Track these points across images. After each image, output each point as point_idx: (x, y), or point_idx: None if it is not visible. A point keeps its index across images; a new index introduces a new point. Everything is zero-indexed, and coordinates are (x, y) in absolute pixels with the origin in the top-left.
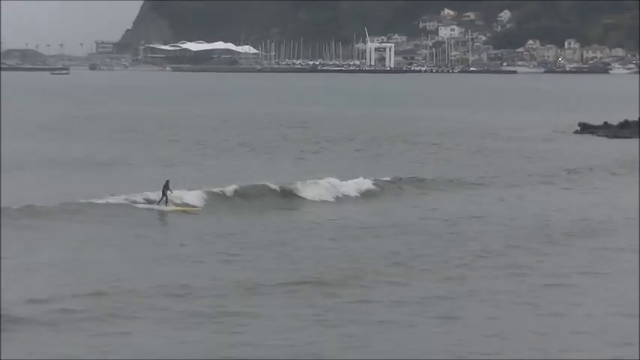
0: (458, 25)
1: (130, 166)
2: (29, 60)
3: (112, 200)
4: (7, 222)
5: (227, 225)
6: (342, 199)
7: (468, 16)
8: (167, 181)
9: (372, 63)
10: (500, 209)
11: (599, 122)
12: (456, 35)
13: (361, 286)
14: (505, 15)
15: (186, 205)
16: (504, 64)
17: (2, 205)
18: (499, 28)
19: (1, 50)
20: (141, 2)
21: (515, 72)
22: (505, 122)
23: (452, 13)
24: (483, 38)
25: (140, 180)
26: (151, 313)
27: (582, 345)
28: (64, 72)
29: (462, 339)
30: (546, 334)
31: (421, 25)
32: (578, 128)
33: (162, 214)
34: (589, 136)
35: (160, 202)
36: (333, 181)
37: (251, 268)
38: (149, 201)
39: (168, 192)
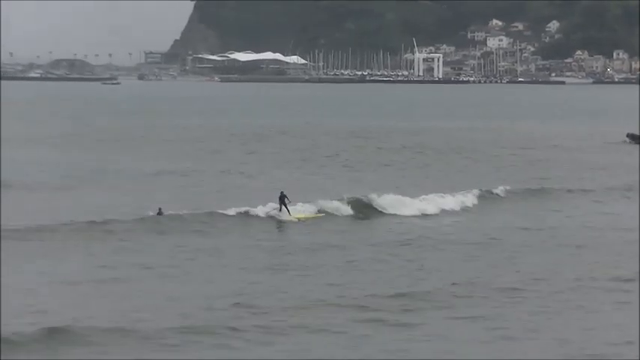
0: (506, 35)
1: (215, 178)
2: (77, 70)
3: (229, 212)
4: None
5: (338, 237)
6: (446, 213)
7: (516, 27)
8: (282, 192)
9: (420, 73)
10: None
11: None
12: (504, 46)
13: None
14: (553, 25)
15: (307, 214)
16: (552, 74)
17: (116, 218)
18: (547, 38)
19: (50, 60)
20: (189, 13)
21: (563, 83)
22: (556, 133)
23: (500, 23)
24: (531, 49)
25: (242, 192)
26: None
27: None
28: (115, 82)
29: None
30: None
31: (469, 35)
32: (627, 139)
33: (284, 224)
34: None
35: (280, 212)
36: (432, 195)
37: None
38: (268, 212)
39: (287, 202)
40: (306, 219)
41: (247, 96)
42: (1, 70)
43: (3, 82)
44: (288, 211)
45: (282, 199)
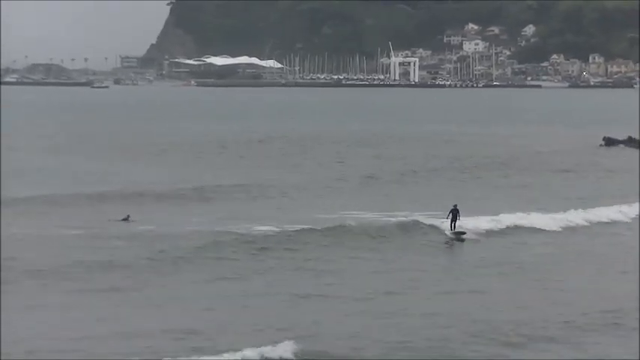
0: (482, 39)
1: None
2: (54, 74)
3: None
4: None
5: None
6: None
7: (492, 31)
8: (455, 205)
9: (397, 77)
10: None
11: (623, 136)
12: (480, 50)
13: None
14: (529, 29)
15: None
16: (528, 78)
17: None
18: (523, 42)
19: (27, 65)
20: (165, 17)
21: (539, 86)
22: (540, 137)
23: (476, 27)
24: (507, 53)
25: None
26: None
27: None
28: (103, 86)
29: None
30: None
31: (445, 39)
32: (603, 142)
33: (452, 239)
34: (616, 148)
35: (452, 227)
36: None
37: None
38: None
39: (458, 217)
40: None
41: (256, 101)
42: None
43: None
44: (455, 226)
45: (455, 214)
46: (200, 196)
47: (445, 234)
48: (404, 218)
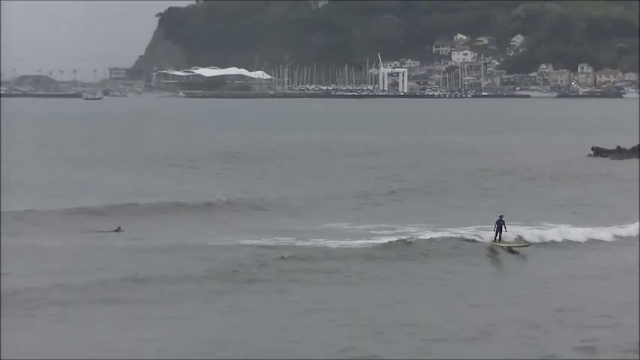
0: (471, 49)
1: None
2: (42, 86)
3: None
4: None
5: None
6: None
7: (481, 41)
8: (501, 216)
9: (385, 88)
10: None
11: (612, 146)
12: (469, 60)
13: None
14: (518, 39)
15: (516, 243)
16: (517, 88)
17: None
18: (512, 52)
19: (15, 77)
20: (154, 28)
21: (528, 96)
22: (528, 147)
23: (465, 37)
24: (496, 63)
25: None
26: None
27: None
28: (97, 98)
29: None
30: None
31: (434, 49)
32: (592, 152)
33: (495, 251)
34: (603, 159)
35: (496, 238)
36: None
37: None
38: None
39: (503, 228)
40: (511, 247)
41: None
42: None
43: None
44: (500, 237)
45: (500, 225)
46: (197, 208)
47: (490, 244)
48: (443, 233)
